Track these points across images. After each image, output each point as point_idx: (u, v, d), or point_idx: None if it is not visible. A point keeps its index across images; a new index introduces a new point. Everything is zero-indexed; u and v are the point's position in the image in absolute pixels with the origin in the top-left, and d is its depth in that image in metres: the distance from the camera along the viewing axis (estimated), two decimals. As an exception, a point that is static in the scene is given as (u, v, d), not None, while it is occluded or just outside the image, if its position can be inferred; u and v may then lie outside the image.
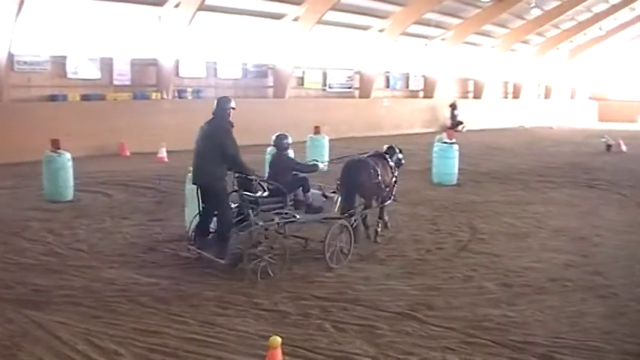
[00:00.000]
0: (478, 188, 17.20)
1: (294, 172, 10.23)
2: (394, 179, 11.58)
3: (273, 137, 11.07)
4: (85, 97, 23.40)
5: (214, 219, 9.51)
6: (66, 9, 22.78)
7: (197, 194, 9.52)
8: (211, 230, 9.53)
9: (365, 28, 33.73)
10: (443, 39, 38.88)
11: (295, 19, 29.20)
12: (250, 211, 9.15)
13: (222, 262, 8.87)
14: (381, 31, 34.15)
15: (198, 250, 9.31)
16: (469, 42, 40.57)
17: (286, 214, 9.49)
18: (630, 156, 26.43)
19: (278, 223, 9.37)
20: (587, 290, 8.58)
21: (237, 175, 9.62)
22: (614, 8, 44.18)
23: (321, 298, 8.02)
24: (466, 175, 18.81)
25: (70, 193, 14.38)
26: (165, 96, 25.45)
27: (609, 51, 56.24)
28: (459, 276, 9.10)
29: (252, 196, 9.44)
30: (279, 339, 5.70)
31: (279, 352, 5.73)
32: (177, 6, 24.59)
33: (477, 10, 36.94)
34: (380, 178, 10.82)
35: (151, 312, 7.46)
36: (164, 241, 10.74)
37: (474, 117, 41.69)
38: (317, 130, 20.45)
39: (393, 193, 11.66)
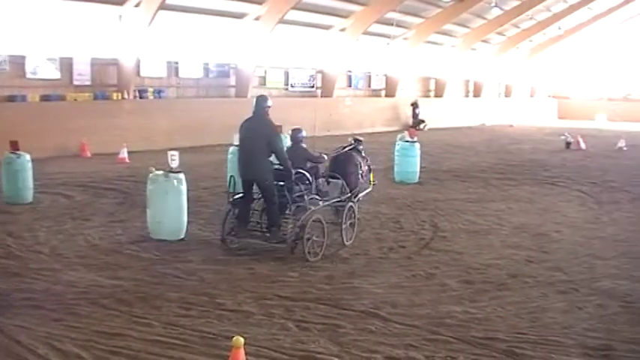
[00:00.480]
0: (440, 186, 17.34)
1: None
2: (367, 167, 12.81)
3: (289, 131, 12.46)
4: (45, 98, 23.11)
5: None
6: (25, 8, 22.50)
7: (243, 187, 10.42)
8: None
9: (327, 27, 33.76)
10: (405, 38, 39.05)
11: (257, 19, 29.14)
12: (305, 197, 10.26)
13: (285, 245, 9.89)
14: (342, 30, 34.20)
15: (245, 239, 10.25)
16: (430, 41, 40.80)
17: (313, 199, 10.56)
18: (589, 153, 26.82)
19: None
20: (548, 286, 8.70)
21: (275, 167, 10.37)
22: (573, 8, 44.77)
23: (285, 297, 8.02)
24: (428, 173, 18.96)
25: (29, 195, 14.17)
26: (126, 96, 25.23)
27: (568, 50, 56.95)
28: (422, 274, 9.17)
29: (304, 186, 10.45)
30: (241, 339, 5.69)
31: (242, 352, 5.72)
32: (137, 5, 24.39)
33: (438, 10, 37.18)
34: (361, 169, 12.37)
35: (114, 314, 7.40)
36: (126, 243, 10.66)
37: (436, 115, 41.95)
38: (279, 130, 20.40)
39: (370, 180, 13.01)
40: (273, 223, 10.16)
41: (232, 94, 30.12)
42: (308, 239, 9.74)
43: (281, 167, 10.30)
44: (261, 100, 10.61)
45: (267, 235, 10.23)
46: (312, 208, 10.24)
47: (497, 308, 7.81)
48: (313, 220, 9.97)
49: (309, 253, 9.75)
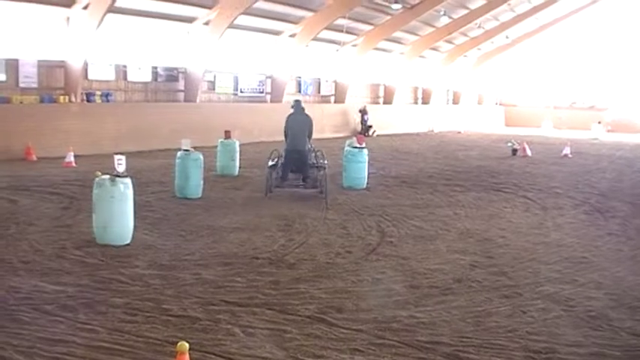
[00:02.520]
0: (387, 192, 17.45)
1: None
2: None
3: (292, 102, 17.49)
4: (-11, 100, 22.77)
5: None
6: (-31, 9, 22.13)
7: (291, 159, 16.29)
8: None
9: (277, 33, 33.80)
10: (354, 45, 39.28)
11: (206, 23, 29.05)
12: (320, 160, 16.59)
13: (316, 190, 16.01)
14: (292, 36, 34.29)
15: (288, 188, 16.29)
16: (380, 48, 41.15)
17: (320, 160, 16.64)
18: (535, 160, 27.25)
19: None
20: (493, 290, 8.81)
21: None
22: (520, 17, 45.54)
23: (231, 303, 8.00)
24: (376, 179, 19.08)
25: (-28, 199, 13.95)
26: (73, 99, 24.93)
27: (515, 58, 57.85)
28: (368, 279, 9.21)
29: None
30: (186, 344, 5.66)
31: (187, 358, 5.69)
32: (85, 7, 24.14)
33: (388, 17, 37.50)
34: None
35: (57, 320, 7.28)
36: (71, 248, 10.50)
37: (385, 122, 42.29)
38: (228, 135, 20.36)
39: None
40: (307, 176, 16.26)
41: (181, 99, 29.98)
42: (323, 185, 15.70)
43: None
44: (299, 102, 17.16)
45: (303, 184, 16.29)
46: (323, 166, 16.26)
47: (442, 312, 7.87)
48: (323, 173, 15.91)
49: (322, 192, 15.63)
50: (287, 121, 16.65)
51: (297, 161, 16.23)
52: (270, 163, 16.11)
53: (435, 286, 8.93)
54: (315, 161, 16.53)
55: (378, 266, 9.93)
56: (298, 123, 16.44)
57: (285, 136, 16.65)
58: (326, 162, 16.62)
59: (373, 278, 9.25)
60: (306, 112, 16.89)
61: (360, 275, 9.38)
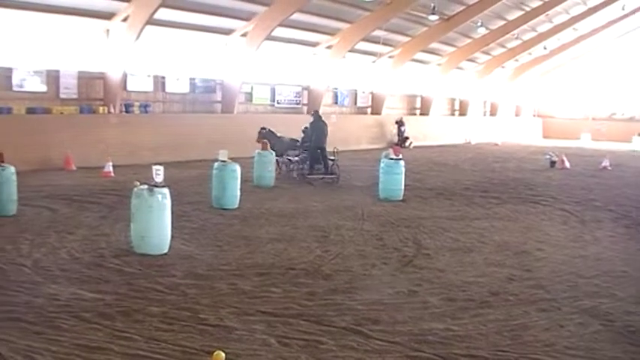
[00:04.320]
0: (424, 204, 17.38)
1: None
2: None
3: (312, 112, 22.83)
4: (31, 111, 23.10)
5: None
6: (12, 21, 22.48)
7: (315, 154, 21.28)
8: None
9: (313, 44, 33.91)
10: (391, 56, 39.26)
11: (244, 35, 29.23)
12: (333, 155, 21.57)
13: (334, 175, 21.21)
14: (329, 47, 34.37)
15: (315, 177, 21.02)
16: (416, 59, 41.05)
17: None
18: (573, 172, 26.96)
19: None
20: (530, 304, 8.73)
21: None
22: (558, 28, 45.12)
23: (267, 313, 8.02)
24: (412, 190, 19.00)
25: (13, 208, 14.10)
26: (112, 110, 25.22)
27: (553, 69, 57.36)
28: (404, 291, 9.18)
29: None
30: (222, 354, 5.70)
31: (223, 367, 5.72)
32: (125, 20, 24.44)
33: (424, 28, 37.40)
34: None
35: (95, 328, 7.37)
36: (109, 257, 10.62)
37: (421, 133, 42.18)
38: (264, 146, 20.48)
39: None
40: (327, 166, 21.33)
41: (218, 110, 30.19)
42: (336, 172, 21.11)
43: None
44: (317, 112, 22.81)
45: (324, 172, 21.22)
46: (336, 158, 21.42)
47: (478, 326, 7.82)
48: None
49: (337, 176, 21.06)
50: (311, 127, 21.67)
51: (320, 155, 21.30)
52: (295, 158, 21.96)
53: (472, 299, 8.87)
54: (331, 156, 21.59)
55: (414, 278, 9.88)
56: (320, 128, 21.46)
57: (310, 137, 21.52)
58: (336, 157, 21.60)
59: (409, 290, 9.21)
60: (323, 119, 22.16)
61: (396, 287, 9.35)
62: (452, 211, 16.44)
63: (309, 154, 21.39)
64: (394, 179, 17.84)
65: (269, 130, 23.45)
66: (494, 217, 15.71)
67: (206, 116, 28.81)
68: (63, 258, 10.53)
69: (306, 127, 22.41)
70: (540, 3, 39.27)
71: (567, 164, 28.88)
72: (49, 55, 23.98)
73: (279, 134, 23.52)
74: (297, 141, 22.71)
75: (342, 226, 13.74)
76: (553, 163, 29.14)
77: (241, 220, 14.28)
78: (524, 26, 41.88)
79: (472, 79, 49.14)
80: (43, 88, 23.74)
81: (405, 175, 18.26)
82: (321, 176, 21.19)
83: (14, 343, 6.82)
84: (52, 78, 23.98)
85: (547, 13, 40.69)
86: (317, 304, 8.43)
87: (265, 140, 21.60)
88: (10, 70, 22.79)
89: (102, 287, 8.92)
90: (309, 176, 21.06)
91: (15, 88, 22.94)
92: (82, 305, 8.12)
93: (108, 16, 24.49)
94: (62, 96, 24.29)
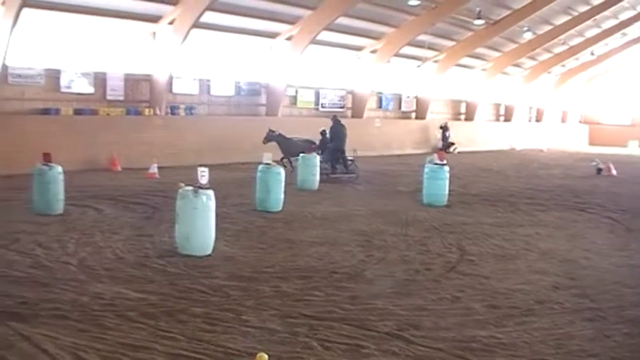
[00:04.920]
0: (468, 210, 17.24)
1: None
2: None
3: (332, 117, 24.17)
4: (78, 112, 23.46)
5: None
6: (61, 23, 22.85)
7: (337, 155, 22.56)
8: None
9: (358, 48, 33.93)
10: (435, 61, 39.11)
11: (289, 39, 29.36)
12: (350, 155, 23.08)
13: (353, 174, 22.59)
14: (373, 51, 34.35)
15: (337, 176, 22.29)
16: (461, 64, 40.86)
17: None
18: (620, 180, 26.57)
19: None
20: (575, 313, 8.59)
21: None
22: (606, 33, 44.55)
23: (309, 316, 8.01)
24: (456, 196, 18.86)
25: (60, 207, 14.32)
26: (157, 112, 25.48)
27: (600, 75, 56.63)
28: (447, 297, 9.10)
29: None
30: (265, 356, 5.70)
31: (266, 369, 5.72)
32: (171, 23, 24.70)
33: (470, 33, 37.24)
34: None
35: (139, 327, 7.42)
36: (153, 257, 10.71)
37: (466, 138, 41.94)
38: (308, 150, 20.53)
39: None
40: (347, 166, 22.60)
41: (263, 113, 30.33)
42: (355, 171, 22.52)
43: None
44: (336, 116, 24.15)
45: (345, 171, 22.42)
46: (354, 159, 22.87)
47: (522, 334, 7.71)
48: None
49: (356, 175, 22.37)
50: (331, 131, 23.11)
51: (341, 157, 22.55)
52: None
53: (516, 307, 8.75)
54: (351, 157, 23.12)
55: (458, 284, 9.79)
56: (340, 132, 22.84)
57: (330, 140, 23.00)
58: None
59: (452, 296, 9.12)
60: (342, 122, 23.58)
61: (439, 293, 9.27)
62: (496, 217, 16.29)
63: (331, 156, 22.53)
64: (438, 185, 17.71)
65: (278, 132, 24.06)
66: (539, 224, 15.52)
67: (251, 119, 28.97)
68: (108, 257, 10.64)
69: (324, 130, 23.56)
70: (588, 7, 38.84)
71: (614, 172, 28.48)
72: (97, 57, 24.33)
73: (288, 135, 24.14)
74: (314, 142, 23.37)
75: (386, 230, 13.69)
76: (599, 170, 28.76)
77: (285, 223, 14.32)
78: (572, 31, 41.48)
79: (518, 85, 48.72)
80: (91, 89, 24.10)
81: (449, 180, 18.14)
82: (341, 175, 22.40)
83: (60, 340, 6.90)
84: (100, 80, 24.32)
85: (595, 17, 40.20)
86: (359, 309, 8.39)
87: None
88: (58, 71, 23.19)
89: (146, 287, 8.99)
90: (331, 175, 21.99)
91: (63, 90, 23.35)
92: (127, 304, 8.19)
93: (155, 19, 24.77)
94: (109, 98, 24.63)
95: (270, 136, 23.77)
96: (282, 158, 23.51)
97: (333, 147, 22.59)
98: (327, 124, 31.02)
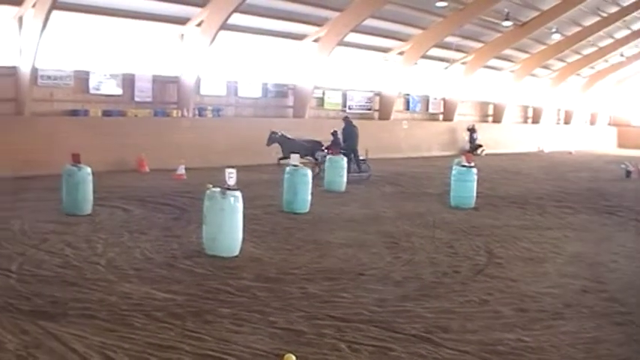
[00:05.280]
0: (496, 212, 17.13)
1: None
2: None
3: (344, 118, 24.42)
4: (106, 113, 23.66)
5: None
6: (90, 25, 23.04)
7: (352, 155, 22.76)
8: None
9: (385, 50, 33.90)
10: (463, 62, 38.96)
11: (316, 40, 29.39)
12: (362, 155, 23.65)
13: (366, 173, 23.20)
14: (401, 53, 34.29)
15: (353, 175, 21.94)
16: (489, 66, 40.63)
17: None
18: (650, 183, 26.29)
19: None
20: (604, 317, 8.50)
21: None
22: (636, 34, 44.10)
23: (336, 318, 8.01)
24: (484, 198, 18.74)
25: (88, 207, 14.45)
26: (185, 113, 25.61)
27: (630, 77, 56.09)
28: (475, 300, 9.05)
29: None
30: (293, 357, 5.71)
31: (293, 370, 5.72)
32: (199, 25, 24.82)
33: (498, 35, 37.04)
34: None
35: (167, 327, 7.47)
36: (181, 257, 10.77)
37: (493, 141, 41.68)
38: (335, 151, 20.52)
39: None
40: (360, 165, 23.19)
41: (290, 115, 30.37)
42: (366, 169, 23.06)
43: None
44: (348, 117, 24.49)
45: (358, 170, 22.87)
46: (365, 158, 23.59)
47: (551, 337, 7.65)
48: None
49: (369, 174, 23.06)
50: (344, 132, 23.33)
51: (354, 156, 23.00)
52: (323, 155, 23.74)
53: (544, 310, 8.69)
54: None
55: (486, 287, 9.73)
56: (353, 133, 23.27)
57: (344, 140, 23.19)
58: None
59: (480, 299, 9.07)
60: (354, 123, 23.92)
61: (467, 296, 9.22)
62: (524, 220, 16.17)
63: (345, 156, 22.17)
64: (466, 187, 17.63)
65: (281, 133, 24.25)
66: (567, 227, 15.39)
67: (278, 121, 29.00)
68: (136, 258, 10.71)
69: (335, 131, 23.67)
70: (618, 9, 38.45)
71: (644, 175, 28.18)
72: (125, 59, 24.50)
73: (289, 136, 24.35)
74: (318, 142, 23.96)
75: (413, 232, 13.65)
76: (629, 173, 28.45)
77: (312, 224, 14.33)
78: (601, 32, 41.04)
79: (546, 87, 48.39)
80: (119, 91, 24.30)
81: (477, 182, 18.04)
82: (357, 175, 22.70)
83: (88, 339, 6.96)
84: (128, 81, 24.51)
85: (624, 19, 39.80)
86: (387, 311, 8.38)
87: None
88: (87, 73, 23.41)
89: (173, 287, 9.03)
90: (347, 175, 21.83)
91: (92, 91, 23.58)
92: (154, 304, 8.24)
93: (183, 21, 24.91)
94: (137, 99, 24.82)
95: (273, 138, 23.88)
96: (281, 159, 23.61)
97: (347, 147, 22.76)
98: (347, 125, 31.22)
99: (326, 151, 22.46)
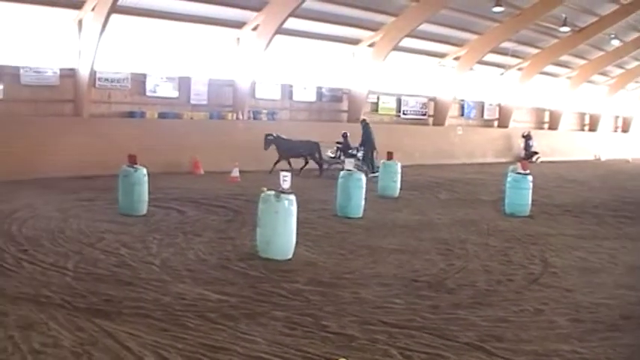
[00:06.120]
0: (551, 221, 16.89)
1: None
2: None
3: (361, 121, 25.79)
4: (163, 115, 23.94)
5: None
6: (148, 29, 23.36)
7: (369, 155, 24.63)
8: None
9: (441, 55, 33.70)
10: (519, 68, 38.53)
11: (371, 45, 29.35)
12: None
13: (377, 172, 21.39)
14: (456, 58, 34.06)
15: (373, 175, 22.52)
16: (545, 72, 40.09)
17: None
18: None
19: None
20: (663, 330, 8.34)
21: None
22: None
23: (389, 324, 7.97)
24: (539, 206, 18.49)
25: (144, 208, 14.64)
26: (240, 117, 25.79)
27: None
28: (530, 309, 8.92)
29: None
30: (346, 361, 5.69)
31: (346, 375, 5.70)
32: (255, 29, 24.98)
33: (555, 40, 36.53)
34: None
35: (220, 328, 7.51)
36: (234, 260, 10.83)
37: (549, 148, 41.12)
38: (390, 156, 20.45)
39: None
40: (374, 166, 23.50)
41: (344, 119, 30.37)
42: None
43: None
44: (365, 120, 25.72)
45: (371, 170, 23.23)
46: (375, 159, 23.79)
47: (607, 349, 7.50)
48: None
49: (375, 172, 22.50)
50: (364, 134, 24.83)
51: (371, 157, 24.42)
52: (331, 155, 25.28)
53: (601, 322, 8.52)
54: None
55: (540, 297, 9.58)
56: (371, 134, 24.80)
57: (362, 143, 24.71)
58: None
59: (535, 309, 8.93)
60: (371, 126, 25.34)
61: (521, 305, 9.09)
62: (581, 229, 15.90)
63: (365, 157, 24.62)
64: (521, 194, 17.40)
65: (276, 135, 24.27)
66: (625, 237, 15.08)
67: (332, 125, 29.02)
68: (190, 259, 10.81)
69: (345, 133, 25.19)
70: (678, 15, 37.63)
71: None
72: (182, 62, 24.76)
73: (284, 136, 24.37)
74: (315, 143, 24.51)
75: (467, 240, 13.52)
76: (689, 182, 27.86)
77: (365, 229, 14.29)
78: (661, 39, 40.23)
79: (603, 93, 47.59)
80: (175, 93, 24.58)
81: (532, 190, 17.81)
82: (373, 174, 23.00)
83: (142, 338, 7.04)
84: (184, 84, 24.78)
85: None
86: (440, 318, 8.31)
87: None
88: (144, 76, 23.73)
89: (227, 289, 9.09)
90: (370, 175, 22.22)
91: (148, 94, 23.89)
92: (208, 305, 8.31)
93: (239, 25, 25.10)
94: (192, 102, 25.08)
95: (269, 141, 23.85)
96: (277, 162, 23.64)
97: (366, 149, 24.65)
98: (408, 132, 31.26)
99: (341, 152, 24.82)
